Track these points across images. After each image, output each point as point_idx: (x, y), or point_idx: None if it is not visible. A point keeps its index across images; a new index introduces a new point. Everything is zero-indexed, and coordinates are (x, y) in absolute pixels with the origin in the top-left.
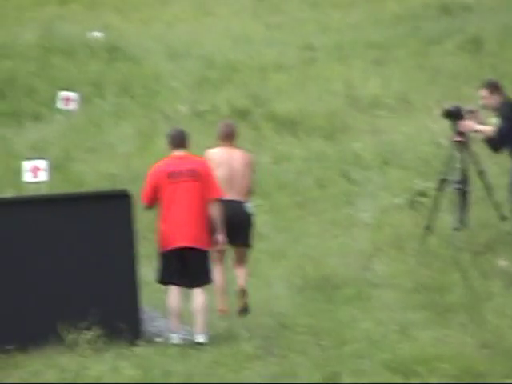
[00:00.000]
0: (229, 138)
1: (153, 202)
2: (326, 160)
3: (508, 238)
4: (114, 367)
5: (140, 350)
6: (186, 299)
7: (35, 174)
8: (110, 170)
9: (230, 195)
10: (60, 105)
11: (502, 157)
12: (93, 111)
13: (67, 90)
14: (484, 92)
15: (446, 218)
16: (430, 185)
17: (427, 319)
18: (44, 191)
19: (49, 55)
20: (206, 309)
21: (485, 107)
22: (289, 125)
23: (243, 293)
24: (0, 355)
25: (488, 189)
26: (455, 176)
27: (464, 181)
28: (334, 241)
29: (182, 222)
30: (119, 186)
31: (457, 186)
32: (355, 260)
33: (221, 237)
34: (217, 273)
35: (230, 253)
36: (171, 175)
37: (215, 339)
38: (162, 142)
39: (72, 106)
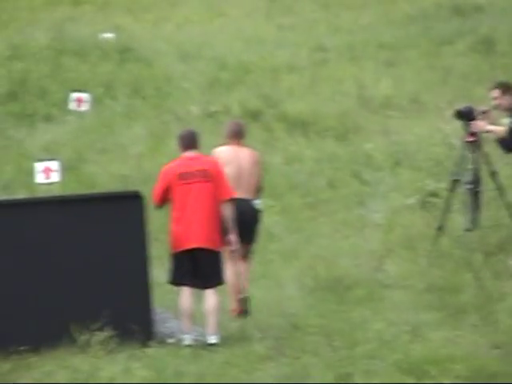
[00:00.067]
0: (237, 136)
1: (163, 202)
2: (337, 161)
3: None
4: (127, 368)
5: (152, 351)
6: (198, 300)
7: (47, 175)
8: (121, 171)
9: (237, 193)
10: (72, 106)
11: None
12: (104, 112)
13: (79, 91)
14: (496, 92)
15: (458, 219)
16: (442, 185)
17: (439, 320)
18: (56, 192)
19: (61, 56)
20: (218, 310)
21: (497, 108)
22: (300, 126)
23: (244, 299)
24: (13, 356)
25: (500, 189)
26: (467, 177)
27: (476, 181)
28: (345, 241)
29: (193, 223)
30: (131, 187)
31: (469, 186)
32: (367, 261)
33: (233, 237)
34: (229, 272)
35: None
36: (182, 176)
37: (227, 340)
38: (174, 143)
39: (84, 107)
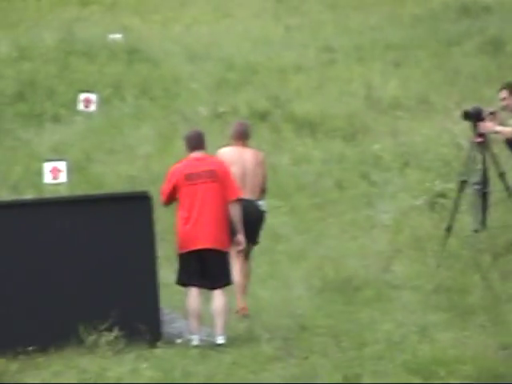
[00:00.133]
0: (242, 137)
1: (171, 201)
2: (345, 161)
3: None
4: (134, 368)
5: (160, 351)
6: (206, 301)
7: (55, 175)
8: (129, 172)
9: (242, 194)
10: (80, 107)
11: None
12: (112, 113)
13: (87, 91)
14: (504, 93)
15: (466, 220)
16: (450, 186)
17: (447, 321)
18: (64, 193)
19: (69, 57)
20: (226, 310)
21: (505, 108)
22: (308, 126)
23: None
24: (21, 356)
25: (508, 190)
26: (475, 177)
27: (484, 182)
28: (353, 242)
29: (201, 224)
30: (139, 187)
31: (477, 187)
32: (375, 261)
33: (241, 237)
34: (236, 272)
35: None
36: (189, 177)
37: (235, 340)
38: (182, 144)
39: (92, 108)
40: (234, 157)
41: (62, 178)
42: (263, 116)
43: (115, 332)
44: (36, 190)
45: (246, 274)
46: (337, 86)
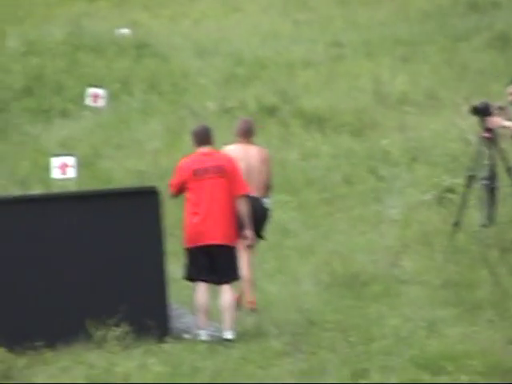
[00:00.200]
0: (247, 134)
1: (179, 193)
2: (353, 157)
3: None
4: (143, 364)
5: (168, 346)
6: (214, 296)
7: (63, 170)
8: (137, 167)
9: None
10: (88, 102)
11: None
12: (121, 108)
13: (95, 86)
14: None
15: (474, 215)
16: (458, 181)
17: (455, 316)
18: (72, 188)
19: (77, 52)
20: (234, 305)
21: None
22: (317, 121)
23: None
24: (29, 352)
25: None
26: (483, 172)
27: (492, 177)
28: (362, 237)
29: (209, 219)
30: (147, 182)
31: (485, 182)
32: (383, 256)
33: (249, 232)
34: (244, 267)
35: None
36: (197, 172)
37: (243, 336)
38: (190, 139)
39: (100, 103)
40: (239, 154)
41: (71, 173)
42: (272, 111)
43: (123, 327)
44: (44, 185)
45: (251, 269)
46: (345, 82)
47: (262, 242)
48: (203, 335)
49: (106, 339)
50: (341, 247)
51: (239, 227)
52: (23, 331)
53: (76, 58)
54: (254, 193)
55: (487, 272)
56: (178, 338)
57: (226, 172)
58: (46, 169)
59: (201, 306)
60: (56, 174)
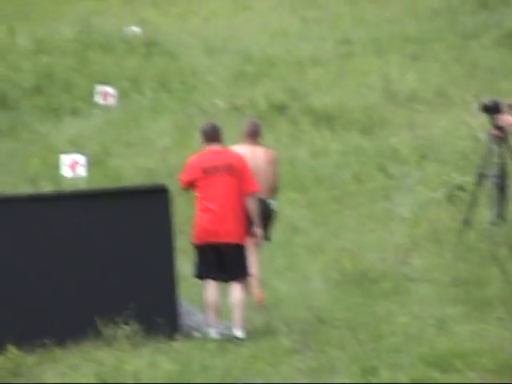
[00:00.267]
0: (254, 135)
1: (189, 188)
2: (363, 154)
3: None
4: (152, 362)
5: (178, 344)
6: (224, 294)
7: (73, 168)
8: (147, 165)
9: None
10: (98, 100)
11: None
12: (130, 106)
13: (105, 84)
14: None
15: (484, 213)
16: (468, 179)
17: (465, 313)
18: (82, 186)
19: (87, 50)
20: (243, 303)
21: None
22: (326, 119)
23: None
24: (38, 349)
25: None
26: (493, 170)
27: (502, 175)
28: (371, 235)
29: (218, 217)
30: (157, 180)
31: (495, 180)
32: (392, 254)
33: (258, 230)
34: (253, 264)
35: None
36: (207, 170)
37: (253, 333)
38: (199, 137)
39: (110, 101)
40: (245, 154)
41: (81, 171)
42: (281, 109)
43: (133, 325)
44: (53, 184)
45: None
46: (354, 79)
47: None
48: (213, 333)
49: (116, 337)
50: (350, 245)
51: (248, 225)
52: (33, 329)
53: (86, 56)
54: (260, 194)
55: (497, 270)
56: (188, 335)
57: (236, 170)
58: (56, 167)
59: (210, 303)
60: (66, 172)
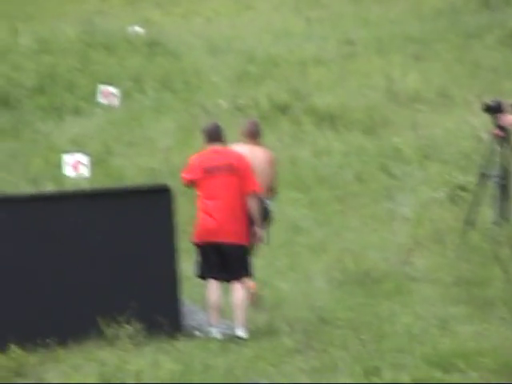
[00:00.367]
0: (253, 135)
1: (191, 185)
2: (365, 154)
3: None
4: (154, 361)
5: (180, 344)
6: (226, 293)
7: (76, 168)
8: (150, 165)
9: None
10: (100, 99)
11: None
12: (133, 106)
13: (107, 84)
14: None
15: (487, 212)
16: (471, 179)
17: (467, 313)
18: (84, 185)
19: (89, 50)
20: (245, 303)
21: None
22: (329, 119)
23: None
24: (40, 349)
25: None
26: (495, 170)
27: (504, 175)
28: (373, 235)
29: (219, 217)
30: (159, 180)
31: (497, 180)
32: (395, 254)
33: (259, 230)
34: None
35: None
36: (208, 170)
37: (255, 333)
38: (201, 137)
39: (112, 101)
40: (244, 154)
41: (83, 171)
42: (284, 109)
43: (135, 325)
44: (56, 183)
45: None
46: (357, 79)
47: (273, 239)
48: (215, 333)
49: (118, 337)
50: (352, 245)
51: (250, 225)
52: (35, 329)
53: (88, 55)
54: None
55: (499, 269)
56: (190, 335)
57: (237, 170)
58: (58, 166)
59: (212, 303)
60: (69, 171)
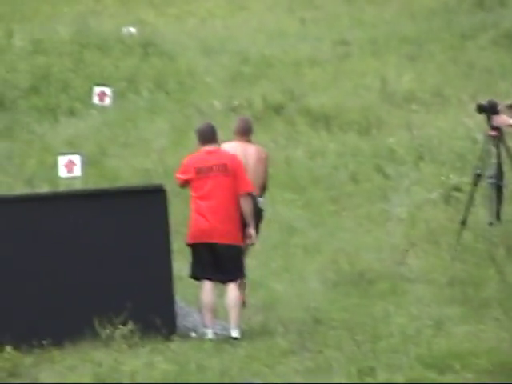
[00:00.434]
0: (245, 133)
1: (185, 185)
2: (360, 155)
3: None
4: (149, 362)
5: (175, 344)
6: (220, 294)
7: (70, 169)
8: (144, 166)
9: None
10: (95, 100)
11: None
12: (127, 107)
13: (102, 85)
14: None
15: (481, 213)
16: (465, 179)
17: (462, 314)
18: (78, 186)
19: (83, 51)
20: (239, 304)
21: None
22: (323, 120)
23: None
24: (36, 350)
25: None
26: (490, 171)
27: (499, 175)
28: (368, 236)
29: (213, 218)
30: (153, 181)
31: (492, 180)
32: (390, 255)
33: (252, 230)
34: None
35: None
36: (201, 170)
37: (250, 334)
38: (195, 137)
39: (107, 102)
40: (236, 152)
41: (77, 171)
42: (278, 109)
43: (130, 325)
44: (51, 184)
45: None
46: (352, 80)
47: (267, 240)
48: (209, 334)
49: (113, 337)
50: (347, 245)
51: (243, 226)
52: (30, 329)
53: (82, 56)
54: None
55: (494, 270)
56: (185, 336)
57: (230, 170)
58: (53, 167)
59: (206, 304)
60: (62, 172)
